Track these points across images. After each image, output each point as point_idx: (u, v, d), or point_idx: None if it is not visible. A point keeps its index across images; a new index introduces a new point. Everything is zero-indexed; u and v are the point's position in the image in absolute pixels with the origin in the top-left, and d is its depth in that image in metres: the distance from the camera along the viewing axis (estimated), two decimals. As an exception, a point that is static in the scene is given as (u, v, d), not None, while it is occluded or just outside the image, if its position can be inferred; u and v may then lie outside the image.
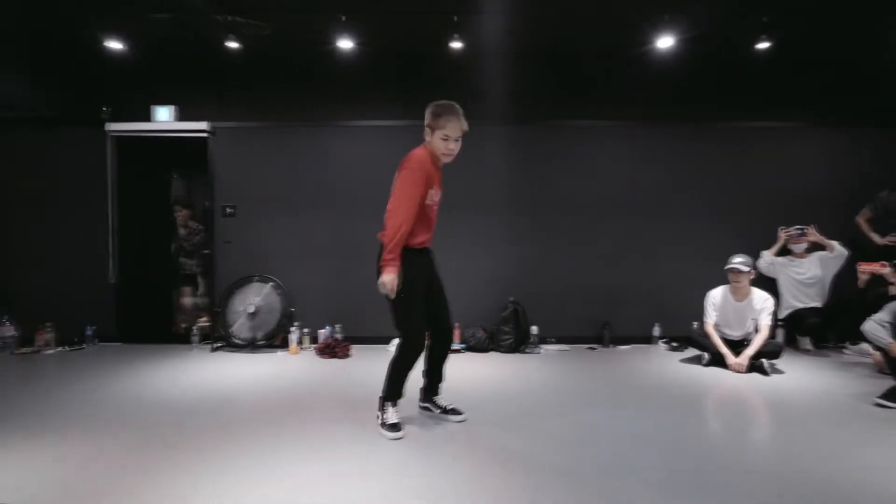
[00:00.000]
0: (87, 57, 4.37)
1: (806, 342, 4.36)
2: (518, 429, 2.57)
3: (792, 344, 4.42)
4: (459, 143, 2.43)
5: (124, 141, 4.55)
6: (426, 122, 2.43)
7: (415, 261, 2.45)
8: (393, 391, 2.55)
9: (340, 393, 3.21)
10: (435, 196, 2.46)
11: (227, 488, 1.97)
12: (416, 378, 2.66)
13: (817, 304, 4.34)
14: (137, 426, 2.61)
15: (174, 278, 5.29)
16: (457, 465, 2.16)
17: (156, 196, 5.12)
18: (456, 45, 3.81)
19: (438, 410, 2.71)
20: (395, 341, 4.40)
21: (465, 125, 2.40)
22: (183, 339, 4.66)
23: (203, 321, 5.09)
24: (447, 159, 2.44)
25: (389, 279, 2.30)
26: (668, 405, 2.97)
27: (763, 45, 3.80)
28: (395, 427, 2.45)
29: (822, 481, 2.02)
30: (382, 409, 2.53)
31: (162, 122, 4.46)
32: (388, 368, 2.55)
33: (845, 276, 4.33)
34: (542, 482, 2.01)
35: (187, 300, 5.45)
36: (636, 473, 2.08)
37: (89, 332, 4.47)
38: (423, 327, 2.51)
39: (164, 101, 4.46)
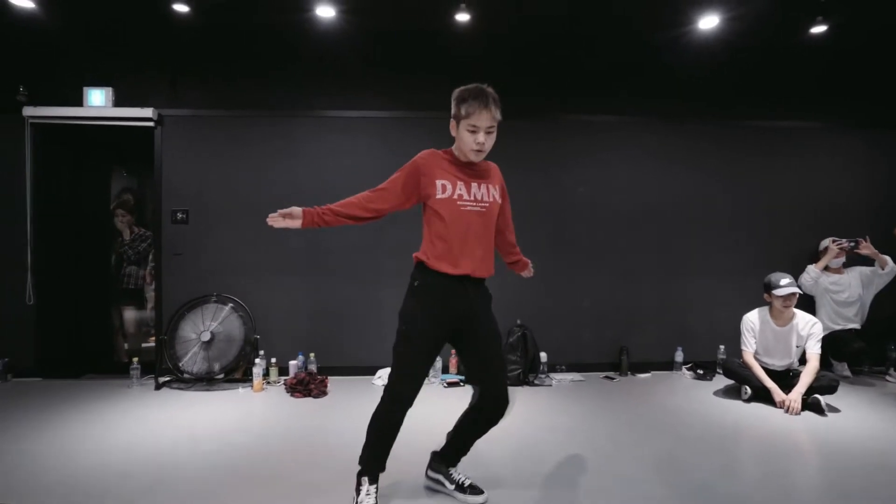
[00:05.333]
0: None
1: (844, 368, 3.92)
2: (538, 496, 1.95)
3: (825, 369, 3.96)
4: (493, 136, 1.85)
5: (48, 130, 3.71)
6: (452, 111, 1.87)
7: (428, 287, 1.85)
8: (370, 461, 1.91)
9: (320, 447, 2.54)
10: (452, 190, 1.84)
11: None
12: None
13: (856, 325, 3.91)
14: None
15: (113, 294, 4.45)
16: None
17: (89, 197, 4.29)
18: (462, 17, 3.16)
19: (452, 486, 2.04)
20: (381, 372, 3.78)
21: (497, 114, 1.83)
22: (123, 370, 3.84)
23: (152, 341, 4.29)
24: (477, 156, 1.86)
25: (289, 212, 1.80)
26: (717, 457, 2.45)
27: (818, 29, 3.31)
28: None
29: None
30: (358, 487, 1.89)
31: (96, 107, 3.66)
32: (368, 426, 1.91)
33: (885, 296, 3.94)
34: None
35: (131, 318, 4.61)
36: None
37: (-1, 366, 3.61)
38: (415, 377, 1.86)
39: (99, 83, 3.66)
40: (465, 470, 2.10)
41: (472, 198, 1.86)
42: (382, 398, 1.88)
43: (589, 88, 4.08)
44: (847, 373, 3.90)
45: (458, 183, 1.85)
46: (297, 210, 1.81)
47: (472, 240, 1.85)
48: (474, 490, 2.01)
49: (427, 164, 1.86)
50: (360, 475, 1.91)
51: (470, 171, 1.90)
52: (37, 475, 2.22)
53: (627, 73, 4.06)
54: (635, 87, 4.07)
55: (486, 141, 1.83)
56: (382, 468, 1.92)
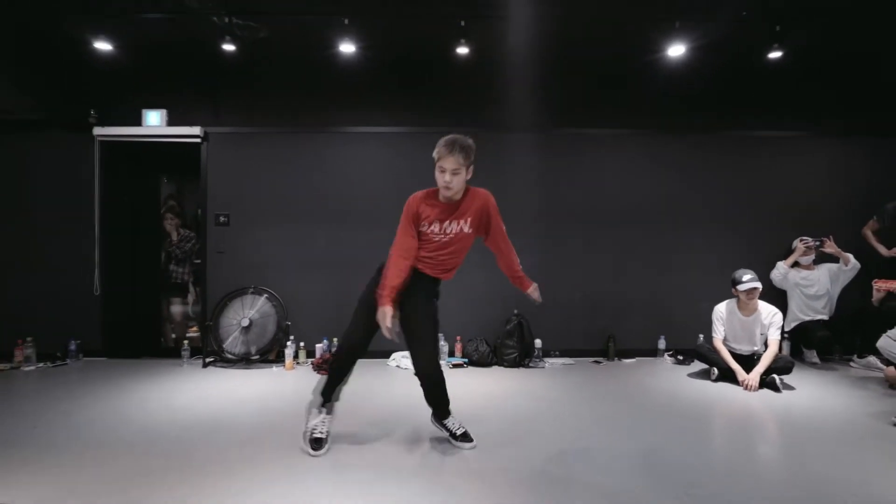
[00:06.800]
0: (75, 57, 4.17)
1: (812, 355, 4.31)
2: (531, 457, 2.45)
3: (797, 357, 4.35)
4: (459, 177, 2.32)
5: (112, 146, 4.35)
6: None
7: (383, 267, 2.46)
8: (326, 388, 2.52)
9: (338, 409, 3.05)
10: (433, 228, 2.39)
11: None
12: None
13: (824, 316, 4.29)
14: (121, 454, 2.43)
15: (163, 288, 5.09)
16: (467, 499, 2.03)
17: (144, 203, 4.93)
18: (462, 50, 3.69)
19: (447, 434, 2.58)
20: (395, 355, 4.31)
21: (461, 159, 2.30)
22: (173, 353, 4.47)
23: (193, 331, 4.90)
24: (446, 192, 2.36)
25: (381, 313, 2.28)
26: (683, 425, 2.88)
27: (775, 55, 3.75)
28: (316, 443, 2.40)
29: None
30: (310, 411, 2.49)
31: (152, 126, 4.28)
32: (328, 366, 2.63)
33: (853, 290, 4.31)
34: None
35: (177, 310, 5.25)
36: (657, 501, 1.97)
37: (72, 346, 4.25)
38: (355, 336, 2.47)
39: (155, 105, 4.27)
40: (468, 425, 2.61)
41: (442, 232, 2.39)
42: (336, 346, 2.50)
43: (579, 105, 4.55)
44: (815, 359, 4.28)
45: (435, 222, 2.39)
46: (379, 313, 2.29)
47: (431, 254, 2.41)
48: (465, 437, 2.54)
49: (416, 209, 2.38)
50: (318, 402, 2.52)
51: (448, 209, 2.39)
52: (118, 428, 2.80)
53: (615, 91, 4.52)
54: (621, 103, 4.53)
55: (453, 180, 2.30)
56: (335, 398, 2.55)
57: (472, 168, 2.37)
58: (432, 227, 2.39)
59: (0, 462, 2.33)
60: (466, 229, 2.41)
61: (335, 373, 2.53)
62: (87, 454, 2.43)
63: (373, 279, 2.50)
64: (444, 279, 2.49)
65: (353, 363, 2.53)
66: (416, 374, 2.52)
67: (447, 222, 2.39)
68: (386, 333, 2.31)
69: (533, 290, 2.65)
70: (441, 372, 2.53)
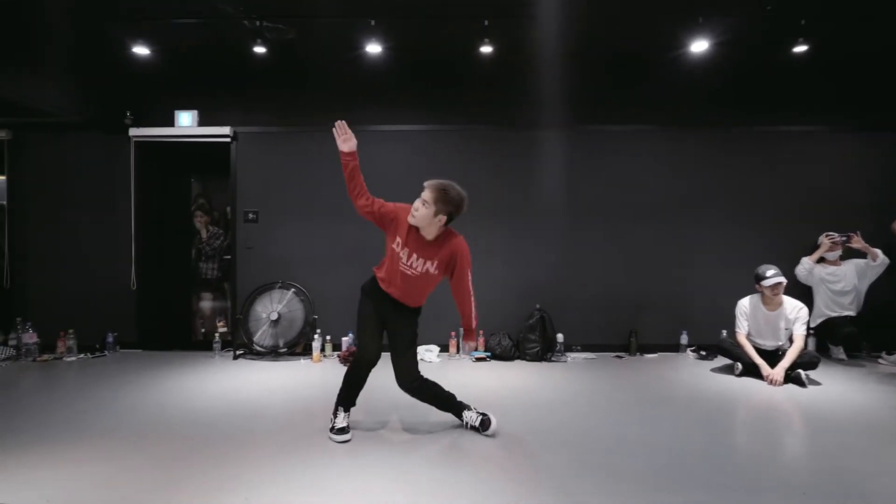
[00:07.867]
0: (113, 62, 4.34)
1: (839, 351, 4.26)
2: (554, 446, 2.51)
3: (823, 353, 4.31)
4: (424, 210, 2.39)
5: (147, 146, 4.52)
6: None
7: (369, 290, 2.62)
8: (343, 398, 2.65)
9: (366, 402, 3.14)
10: (399, 248, 2.46)
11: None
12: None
13: (851, 312, 4.24)
14: (163, 438, 2.57)
15: (194, 284, 5.26)
16: (493, 488, 2.10)
17: (177, 201, 5.10)
18: (486, 49, 3.75)
19: (466, 424, 2.70)
20: (419, 349, 4.40)
21: (432, 195, 2.38)
22: (204, 346, 4.62)
23: (221, 326, 5.06)
24: (410, 219, 2.44)
25: (350, 139, 2.57)
26: (708, 418, 2.90)
27: (800, 49, 3.72)
28: (341, 431, 2.56)
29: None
30: (335, 413, 2.63)
31: (184, 126, 4.43)
32: (343, 378, 2.68)
33: (882, 285, 4.25)
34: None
35: (206, 305, 5.42)
36: (684, 493, 2.01)
37: (110, 338, 4.44)
38: (369, 349, 2.57)
39: (186, 106, 4.43)
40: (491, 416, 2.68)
41: (409, 264, 2.46)
42: (352, 360, 2.65)
43: (600, 103, 4.56)
44: (842, 356, 4.24)
45: (405, 249, 2.45)
46: (352, 147, 2.55)
47: (399, 283, 2.50)
48: (483, 426, 2.63)
49: (400, 221, 2.45)
50: (336, 406, 2.64)
51: (421, 243, 2.45)
52: (159, 414, 2.95)
53: (637, 87, 4.51)
54: (643, 99, 4.52)
55: (419, 208, 2.39)
56: (353, 404, 2.67)
57: (441, 217, 2.39)
58: (402, 253, 2.46)
59: (57, 443, 2.48)
60: (432, 270, 2.49)
61: (352, 387, 2.65)
62: (133, 437, 2.58)
63: (365, 295, 2.61)
64: (415, 306, 2.61)
65: (368, 375, 2.63)
66: (396, 379, 2.62)
67: (415, 256, 2.45)
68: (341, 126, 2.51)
69: (466, 345, 2.79)
70: (420, 381, 2.63)
